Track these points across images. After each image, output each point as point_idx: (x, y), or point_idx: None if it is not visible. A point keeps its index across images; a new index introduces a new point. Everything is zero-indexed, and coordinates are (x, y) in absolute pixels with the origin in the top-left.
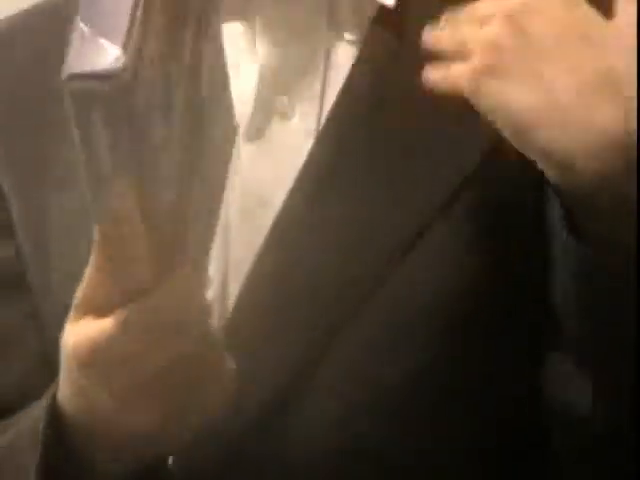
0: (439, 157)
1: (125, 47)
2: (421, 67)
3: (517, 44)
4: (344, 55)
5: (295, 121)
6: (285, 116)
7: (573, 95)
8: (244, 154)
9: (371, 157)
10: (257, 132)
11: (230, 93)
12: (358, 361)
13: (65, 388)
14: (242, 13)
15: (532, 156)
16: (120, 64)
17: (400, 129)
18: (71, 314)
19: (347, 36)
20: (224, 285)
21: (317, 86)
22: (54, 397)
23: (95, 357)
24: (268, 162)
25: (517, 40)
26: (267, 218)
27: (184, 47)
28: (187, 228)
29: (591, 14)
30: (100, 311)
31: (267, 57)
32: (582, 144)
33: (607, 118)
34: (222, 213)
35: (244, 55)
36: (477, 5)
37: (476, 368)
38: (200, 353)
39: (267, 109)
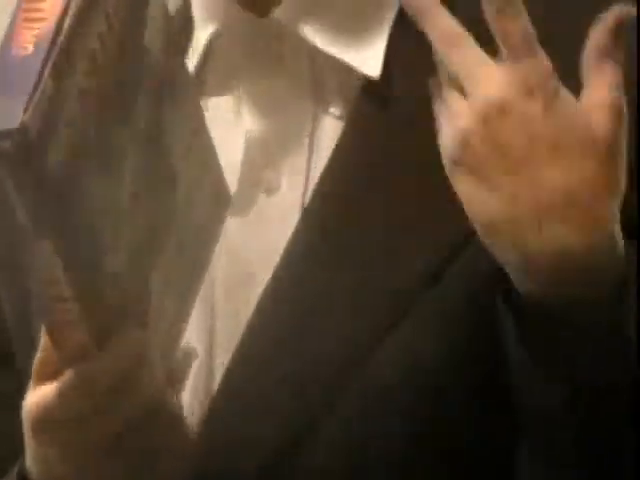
0: (424, 232)
1: (27, 107)
2: (408, 139)
3: (485, 150)
4: (330, 128)
5: (281, 196)
6: (271, 190)
7: (529, 211)
8: (229, 228)
9: (356, 234)
10: (243, 207)
11: (218, 164)
12: (346, 431)
13: (28, 455)
14: (227, 87)
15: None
16: (18, 123)
17: (385, 205)
18: (30, 381)
19: (333, 110)
20: (210, 358)
21: (303, 160)
22: (22, 464)
23: (42, 421)
24: (254, 237)
25: (485, 146)
26: (253, 294)
27: (133, 112)
28: (142, 295)
29: (566, 117)
30: (50, 376)
31: (252, 131)
32: (531, 256)
33: (558, 236)
34: (208, 286)
35: (229, 129)
36: (452, 100)
37: (462, 430)
38: (151, 417)
39: (253, 183)
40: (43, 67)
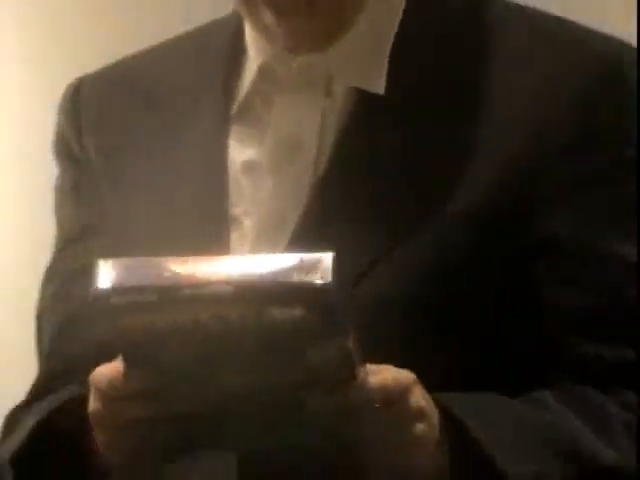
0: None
1: None
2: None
3: None
4: (335, 119)
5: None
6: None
7: None
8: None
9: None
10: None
11: None
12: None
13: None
14: (267, 99)
15: None
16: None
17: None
18: None
19: (340, 109)
20: None
21: (314, 136)
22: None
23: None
24: (284, 184)
25: None
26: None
27: None
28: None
29: None
30: None
31: (279, 121)
32: None
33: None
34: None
35: (262, 124)
36: None
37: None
38: None
39: (280, 143)
40: None
